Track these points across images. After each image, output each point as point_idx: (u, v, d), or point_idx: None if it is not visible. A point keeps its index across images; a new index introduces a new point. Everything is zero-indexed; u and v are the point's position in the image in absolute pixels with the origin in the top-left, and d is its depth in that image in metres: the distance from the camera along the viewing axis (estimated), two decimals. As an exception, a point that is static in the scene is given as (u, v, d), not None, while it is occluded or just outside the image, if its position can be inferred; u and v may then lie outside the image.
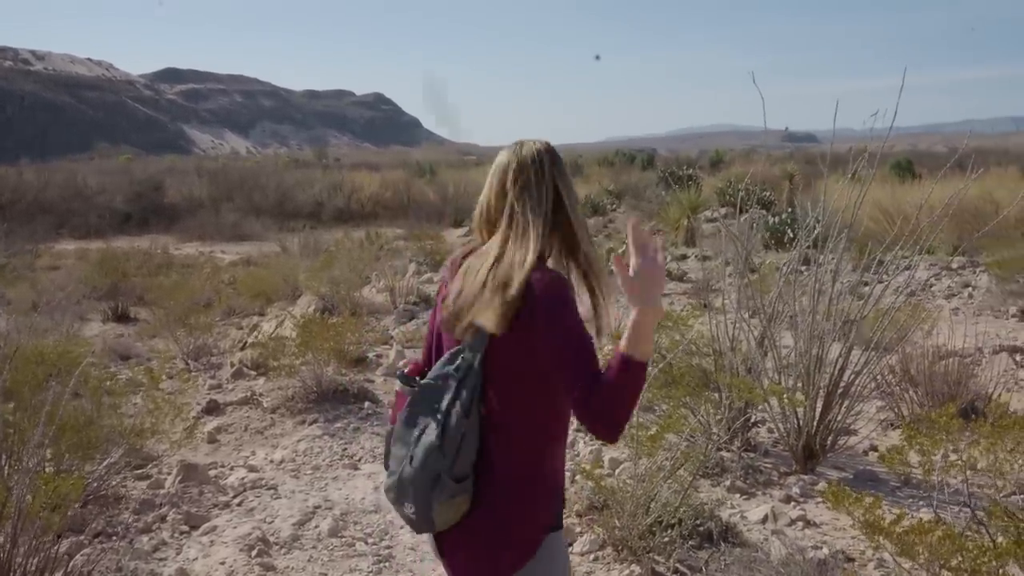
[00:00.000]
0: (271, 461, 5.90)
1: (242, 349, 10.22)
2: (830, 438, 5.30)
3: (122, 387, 5.73)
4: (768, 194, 30.60)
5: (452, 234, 33.10)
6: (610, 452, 5.76)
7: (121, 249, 25.56)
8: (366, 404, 7.01)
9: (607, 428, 1.96)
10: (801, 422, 5.23)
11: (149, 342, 11.31)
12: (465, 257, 2.31)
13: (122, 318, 14.77)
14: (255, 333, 11.32)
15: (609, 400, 1.91)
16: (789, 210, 23.61)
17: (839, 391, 5.25)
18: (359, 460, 6.00)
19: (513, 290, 2.06)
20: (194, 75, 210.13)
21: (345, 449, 6.15)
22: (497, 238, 2.20)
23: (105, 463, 5.18)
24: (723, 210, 31.31)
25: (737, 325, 5.80)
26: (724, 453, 5.45)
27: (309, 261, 17.62)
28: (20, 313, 13.92)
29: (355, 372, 7.94)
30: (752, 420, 5.66)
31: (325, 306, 11.21)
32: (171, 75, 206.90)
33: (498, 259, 2.14)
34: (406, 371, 2.30)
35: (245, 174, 44.81)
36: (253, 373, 8.41)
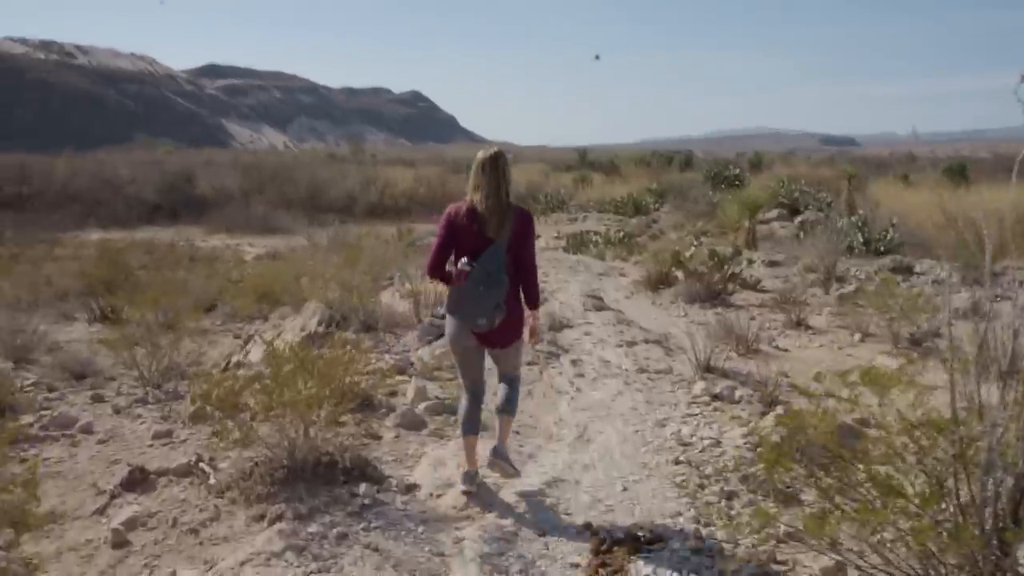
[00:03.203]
0: (192, 603, 3.39)
1: (225, 370, 7.86)
2: None
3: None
4: (825, 195, 27.94)
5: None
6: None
7: (139, 240, 23.87)
8: (362, 487, 4.40)
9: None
10: None
11: (124, 353, 8.88)
12: (469, 206, 4.54)
13: (111, 318, 12.49)
14: (247, 349, 8.94)
15: (533, 288, 4.66)
16: (860, 212, 20.97)
17: None
18: (342, 609, 3.40)
19: (517, 215, 4.54)
20: (234, 71, 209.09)
21: (318, 584, 3.55)
22: (492, 191, 4.45)
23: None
24: (775, 211, 28.68)
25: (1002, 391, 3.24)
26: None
27: (337, 256, 15.44)
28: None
29: (355, 422, 5.45)
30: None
31: (332, 317, 8.76)
32: (212, 71, 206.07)
33: (499, 201, 4.47)
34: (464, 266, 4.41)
35: (279, 167, 42.83)
36: (219, 415, 5.93)
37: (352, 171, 42.96)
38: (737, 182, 36.01)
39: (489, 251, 4.37)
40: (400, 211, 37.34)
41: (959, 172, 36.13)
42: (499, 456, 4.60)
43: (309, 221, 31.78)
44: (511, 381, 4.80)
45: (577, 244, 19.80)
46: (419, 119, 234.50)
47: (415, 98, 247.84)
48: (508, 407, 4.72)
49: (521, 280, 4.56)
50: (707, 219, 28.52)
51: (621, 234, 20.19)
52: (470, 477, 4.66)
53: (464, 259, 4.37)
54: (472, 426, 4.68)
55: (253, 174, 40.27)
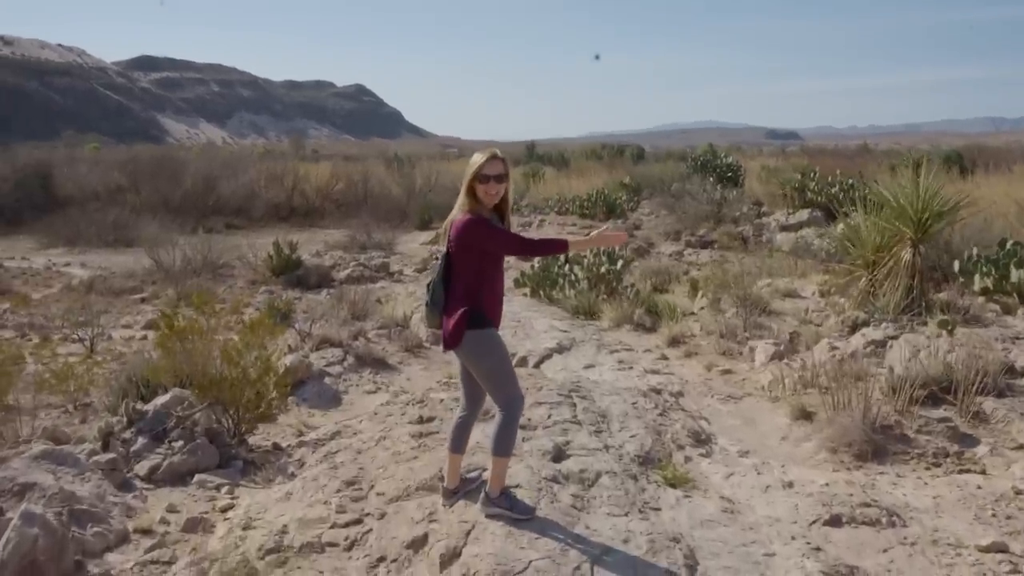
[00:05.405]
0: None
1: None
2: None
3: None
4: (864, 188, 20.29)
5: (416, 239, 23.27)
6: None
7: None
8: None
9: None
10: None
11: None
12: None
13: None
14: None
15: (539, 245, 4.09)
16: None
17: None
18: None
19: (451, 225, 4.04)
20: (170, 63, 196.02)
21: None
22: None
23: None
24: (804, 213, 20.84)
25: None
26: None
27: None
28: None
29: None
30: None
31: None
32: (146, 63, 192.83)
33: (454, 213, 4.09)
34: None
35: (163, 161, 34.27)
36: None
37: (252, 162, 34.79)
38: (731, 174, 28.20)
39: (440, 260, 4.28)
40: (311, 212, 30.43)
41: (957, 161, 30.92)
42: (488, 505, 4.01)
43: (189, 227, 24.64)
44: (500, 413, 4.03)
45: (540, 281, 11.63)
46: (364, 114, 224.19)
47: (359, 92, 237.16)
48: (492, 444, 3.99)
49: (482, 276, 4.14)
50: (711, 224, 20.74)
51: (609, 264, 11.95)
52: (448, 493, 4.26)
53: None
54: (453, 443, 4.21)
55: (128, 169, 32.20)
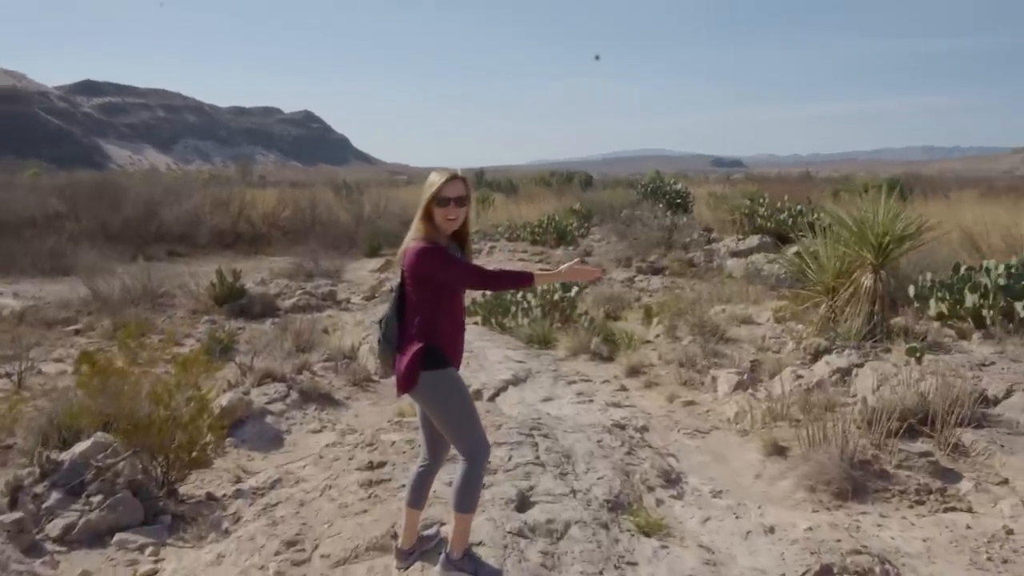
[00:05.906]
0: None
1: None
2: None
3: None
4: (815, 214, 20.36)
5: (364, 266, 22.80)
6: None
7: None
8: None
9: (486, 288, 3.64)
10: None
11: None
12: None
13: None
14: None
15: (501, 277, 3.55)
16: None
17: None
18: None
19: (404, 255, 3.58)
20: (113, 88, 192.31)
21: None
22: None
23: None
24: (754, 239, 20.81)
25: None
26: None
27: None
28: None
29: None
30: None
31: None
32: (88, 88, 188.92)
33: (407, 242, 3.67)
34: None
35: (103, 186, 33.29)
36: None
37: (196, 187, 34.07)
38: (680, 200, 28.25)
39: (394, 291, 3.84)
40: (257, 239, 29.74)
41: (894, 187, 31.24)
42: (449, 569, 3.54)
43: (129, 255, 23.84)
44: (462, 463, 3.54)
45: (492, 309, 11.27)
46: (311, 140, 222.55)
47: (307, 118, 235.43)
48: (455, 498, 3.51)
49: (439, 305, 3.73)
50: (662, 250, 20.62)
51: (563, 291, 11.65)
52: (403, 554, 3.76)
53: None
54: (412, 496, 3.72)
55: (67, 194, 31.23)
